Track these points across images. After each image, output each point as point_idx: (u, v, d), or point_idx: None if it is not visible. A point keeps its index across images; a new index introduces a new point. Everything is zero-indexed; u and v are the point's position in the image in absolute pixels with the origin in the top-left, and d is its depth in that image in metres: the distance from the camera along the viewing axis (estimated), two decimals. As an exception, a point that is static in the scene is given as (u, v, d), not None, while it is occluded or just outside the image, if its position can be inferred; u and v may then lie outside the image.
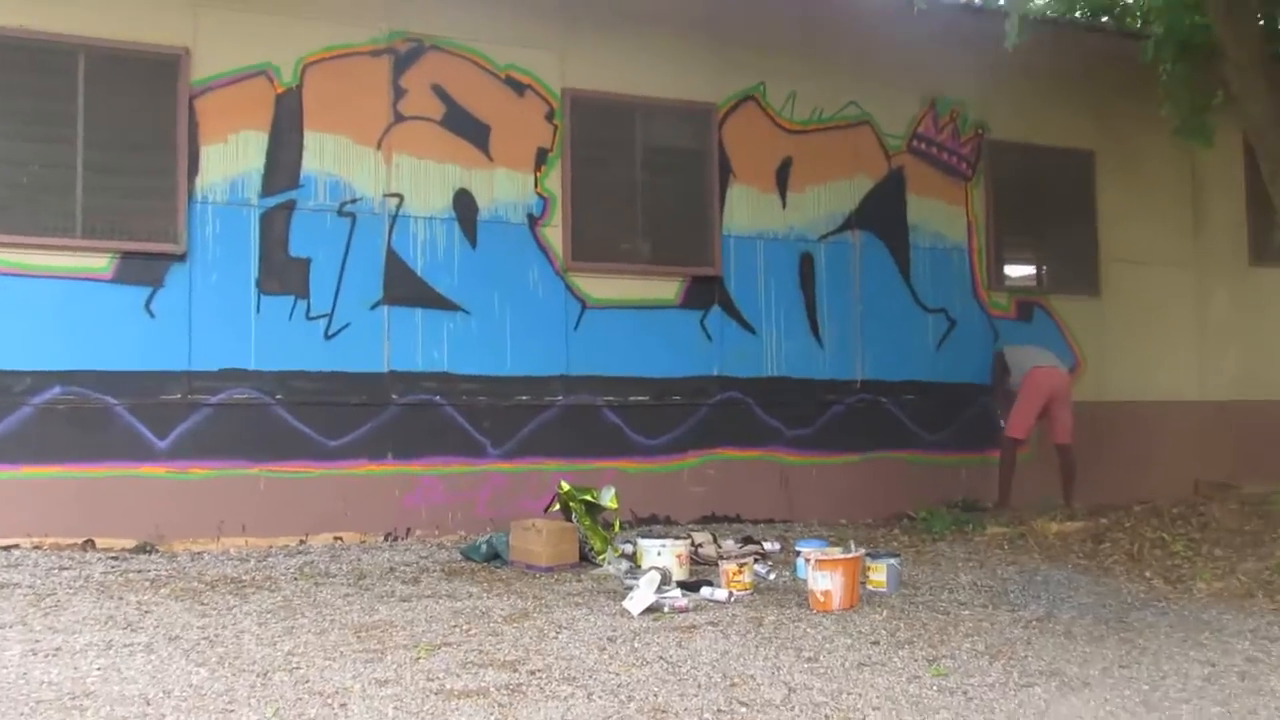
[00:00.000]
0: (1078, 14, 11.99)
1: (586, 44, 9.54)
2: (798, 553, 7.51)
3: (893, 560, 7.34)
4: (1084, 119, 11.43)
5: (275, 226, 8.53)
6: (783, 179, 10.24)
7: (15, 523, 7.71)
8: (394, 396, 8.73)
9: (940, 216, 10.91)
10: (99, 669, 5.04)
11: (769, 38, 10.05)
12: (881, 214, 10.65)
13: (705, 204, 9.92)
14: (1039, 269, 11.67)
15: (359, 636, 5.73)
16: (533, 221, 9.29)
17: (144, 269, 8.14)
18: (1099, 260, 11.52)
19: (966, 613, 6.63)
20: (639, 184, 9.71)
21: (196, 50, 8.36)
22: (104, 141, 8.10)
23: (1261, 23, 9.68)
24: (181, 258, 8.22)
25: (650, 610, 6.38)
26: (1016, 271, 11.61)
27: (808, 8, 9.96)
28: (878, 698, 4.91)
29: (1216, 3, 8.74)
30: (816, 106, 10.39)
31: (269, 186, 8.53)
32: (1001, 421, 10.54)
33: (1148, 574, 7.85)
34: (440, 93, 9.06)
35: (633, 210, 9.70)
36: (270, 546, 8.21)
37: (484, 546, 7.99)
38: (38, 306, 7.86)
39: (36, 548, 7.71)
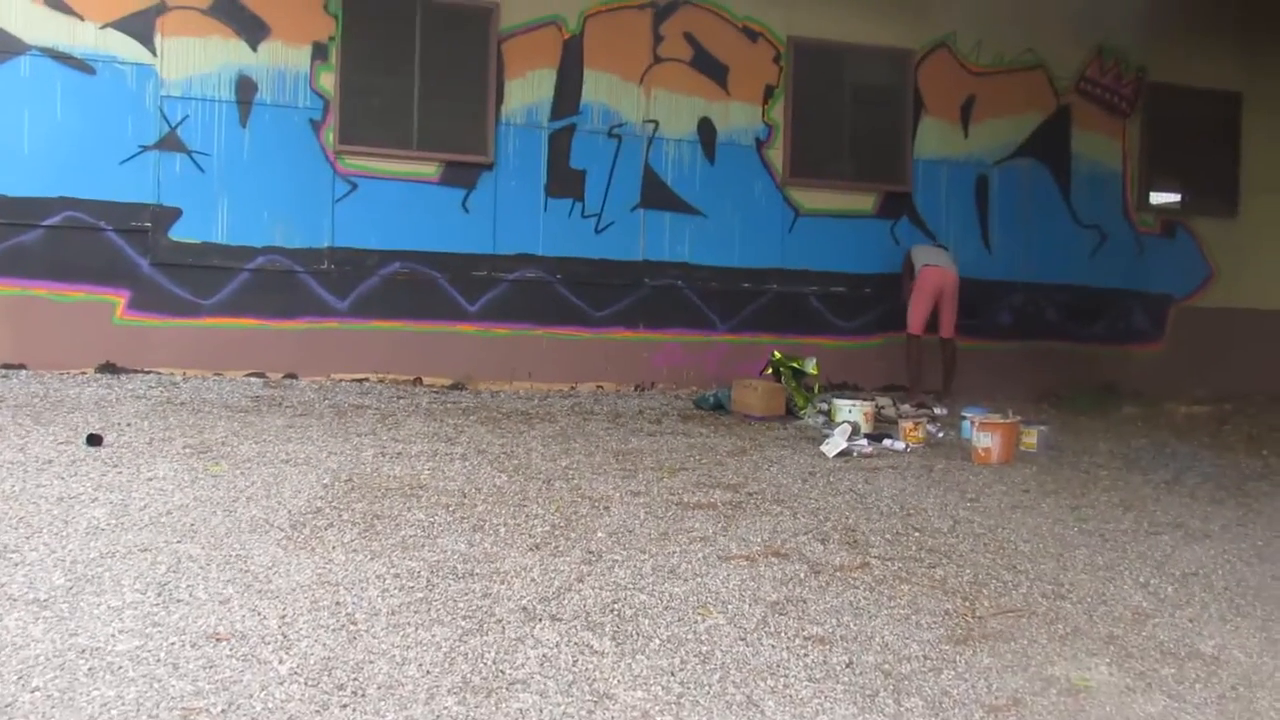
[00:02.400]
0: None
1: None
2: (964, 417, 7.31)
3: (1043, 427, 7.07)
4: (1234, 64, 10.44)
5: (560, 144, 8.60)
6: (966, 113, 9.72)
7: (366, 362, 8.15)
8: (646, 280, 8.79)
9: (1099, 147, 10.20)
10: (429, 469, 5.32)
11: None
12: (1048, 144, 10.02)
13: (900, 133, 9.53)
14: (1184, 194, 10.81)
15: (617, 459, 5.88)
16: (759, 144, 9.12)
17: (462, 175, 8.36)
18: (1239, 187, 10.61)
19: (1104, 473, 6.34)
20: (846, 115, 9.38)
21: (505, 4, 8.43)
22: (434, 76, 8.27)
23: None
24: (490, 167, 8.41)
25: (842, 454, 6.35)
26: (1164, 196, 10.79)
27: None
28: (1028, 533, 4.77)
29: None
30: (999, 53, 9.80)
31: (556, 113, 8.59)
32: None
33: (1264, 453, 7.34)
34: (690, 39, 8.91)
35: (840, 137, 9.39)
36: (549, 390, 8.46)
37: (711, 398, 8.05)
38: (385, 201, 8.17)
39: (380, 381, 8.14)
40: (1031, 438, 6.87)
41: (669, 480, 5.39)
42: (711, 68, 8.97)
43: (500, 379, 8.37)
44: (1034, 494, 5.61)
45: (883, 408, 8.05)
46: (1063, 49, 9.99)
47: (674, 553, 4.11)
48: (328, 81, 8.05)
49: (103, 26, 7.59)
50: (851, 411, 7.31)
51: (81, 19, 7.55)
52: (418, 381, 8.22)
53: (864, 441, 6.69)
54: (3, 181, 7.41)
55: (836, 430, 6.75)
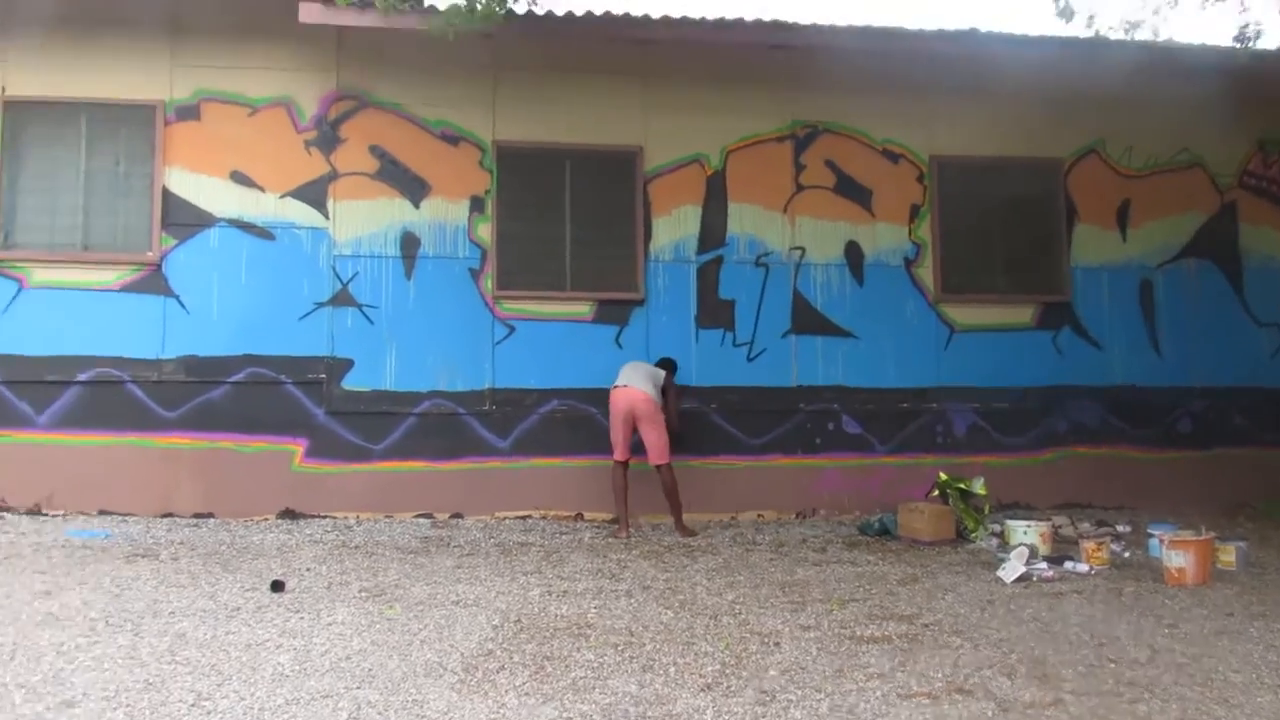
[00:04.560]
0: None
1: (950, 117, 9.17)
2: (1150, 534, 6.91)
3: (1241, 543, 6.60)
4: None
5: (708, 276, 8.73)
6: (1122, 218, 9.45)
7: (528, 499, 8.26)
8: (801, 405, 8.71)
9: (1271, 241, 9.70)
10: (595, 607, 5.30)
11: (1107, 97, 9.28)
12: (1214, 242, 9.60)
13: (1054, 242, 9.31)
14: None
15: (784, 591, 5.75)
16: (908, 264, 9.05)
17: (615, 312, 8.55)
18: None
19: (1317, 591, 5.84)
20: (996, 228, 9.23)
21: (647, 147, 8.73)
22: (584, 219, 8.58)
23: None
24: (641, 303, 8.58)
25: (1021, 579, 6.06)
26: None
27: (1141, 69, 9.10)
28: (1238, 662, 4.40)
29: None
30: (1152, 154, 9.54)
31: (703, 246, 8.75)
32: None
33: None
34: (832, 166, 9.00)
35: (991, 250, 9.22)
36: (709, 521, 8.37)
37: (876, 524, 7.85)
38: (542, 342, 8.41)
39: (543, 518, 8.23)
40: (1229, 555, 6.41)
41: (839, 612, 5.22)
42: (855, 191, 9.03)
43: (660, 511, 8.32)
44: (1239, 617, 5.20)
45: (1060, 527, 7.74)
46: (1220, 145, 9.65)
47: (851, 691, 3.95)
48: (485, 232, 8.44)
49: (282, 196, 8.20)
50: (1027, 532, 7.02)
51: (263, 190, 8.18)
52: (579, 517, 8.28)
53: (1043, 564, 6.37)
54: (196, 343, 7.98)
55: (1012, 553, 6.47)
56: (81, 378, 7.86)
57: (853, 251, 8.98)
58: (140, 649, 4.43)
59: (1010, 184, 9.34)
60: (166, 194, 8.06)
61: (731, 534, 7.85)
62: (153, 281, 8.00)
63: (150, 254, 8.00)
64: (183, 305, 8.02)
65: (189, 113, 8.17)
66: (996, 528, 7.56)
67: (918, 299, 9.04)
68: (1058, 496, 8.91)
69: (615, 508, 7.89)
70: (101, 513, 7.78)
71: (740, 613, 5.21)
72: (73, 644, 4.49)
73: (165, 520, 7.74)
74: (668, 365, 8.24)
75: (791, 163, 8.97)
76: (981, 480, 7.84)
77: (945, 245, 9.11)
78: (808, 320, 8.85)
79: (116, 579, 5.79)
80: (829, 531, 8.01)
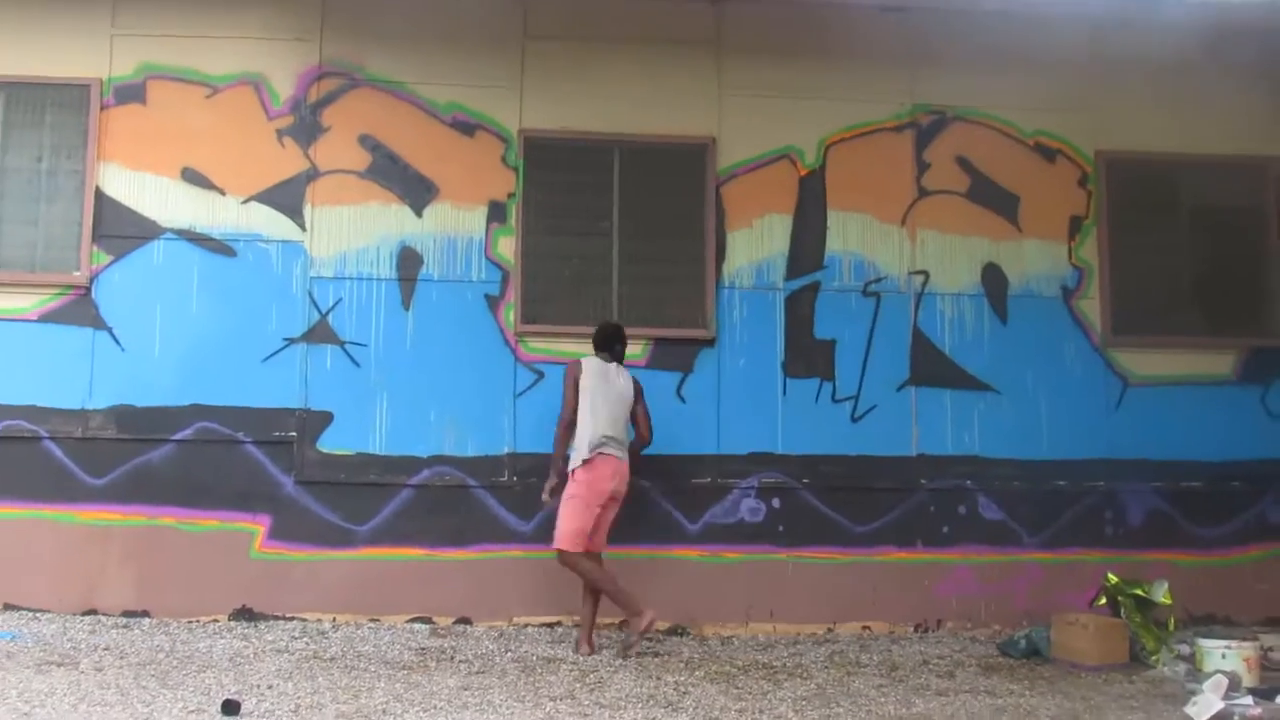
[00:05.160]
0: None
1: (1122, 103, 9.20)
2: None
3: None
4: None
5: (800, 309, 8.79)
6: (1357, 237, 9.40)
7: (558, 601, 8.25)
8: (923, 481, 8.71)
9: None
10: (645, 745, 5.33)
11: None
12: None
13: (1263, 267, 9.26)
14: None
15: (897, 729, 5.74)
16: (1067, 294, 9.06)
17: (675, 355, 8.63)
18: None
19: None
20: (1186, 249, 9.21)
21: (722, 138, 8.85)
22: (637, 232, 8.69)
23: None
24: (710, 343, 8.65)
25: (1218, 718, 5.97)
26: None
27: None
28: None
29: None
30: (1397, 150, 9.50)
31: (794, 269, 8.83)
32: None
33: None
34: (965, 165, 9.07)
35: (1180, 278, 9.19)
36: (798, 633, 8.35)
37: (1022, 642, 7.79)
38: (579, 393, 8.51)
39: (577, 625, 8.25)
40: None
41: (971, 759, 5.21)
42: (996, 199, 9.07)
43: (732, 620, 8.34)
44: None
45: (1271, 650, 7.60)
46: None
47: None
48: (507, 248, 8.60)
49: (246, 200, 8.43)
50: (1226, 657, 6.95)
51: (223, 193, 8.41)
52: (624, 625, 8.29)
53: (1248, 700, 6.29)
54: (133, 389, 8.19)
55: (1207, 684, 6.40)
56: (-15, 432, 8.12)
57: (993, 278, 9.01)
58: (55, 785, 4.53)
59: (1205, 191, 9.33)
60: (101, 197, 8.32)
61: (828, 651, 7.83)
62: (80, 309, 8.24)
63: (78, 274, 8.25)
64: (116, 340, 8.24)
65: (132, 94, 8.45)
66: (1185, 649, 7.48)
67: (1080, 341, 9.03)
68: (1269, 608, 8.79)
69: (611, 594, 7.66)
70: (7, 607, 7.98)
71: (838, 756, 5.21)
72: (-31, 777, 4.60)
73: (88, 619, 7.90)
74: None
75: (912, 160, 9.04)
76: (1165, 585, 7.77)
77: (1118, 270, 9.10)
78: (932, 368, 8.87)
79: (25, 694, 5.92)
80: (959, 650, 7.96)
